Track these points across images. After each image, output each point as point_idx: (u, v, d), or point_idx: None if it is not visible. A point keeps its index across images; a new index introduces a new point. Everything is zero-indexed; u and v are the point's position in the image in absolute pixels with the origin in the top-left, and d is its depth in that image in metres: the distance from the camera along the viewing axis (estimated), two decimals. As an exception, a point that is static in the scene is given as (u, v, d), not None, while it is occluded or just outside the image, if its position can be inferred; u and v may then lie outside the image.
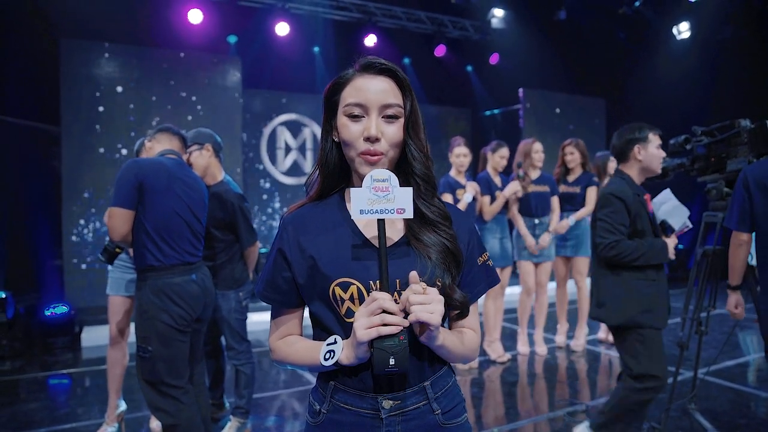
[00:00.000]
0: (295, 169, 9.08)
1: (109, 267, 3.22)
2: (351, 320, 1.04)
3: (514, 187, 4.57)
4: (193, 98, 7.08)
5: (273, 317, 1.19)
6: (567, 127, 9.51)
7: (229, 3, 7.61)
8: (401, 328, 0.96)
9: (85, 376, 4.63)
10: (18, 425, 3.48)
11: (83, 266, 6.46)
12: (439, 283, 1.07)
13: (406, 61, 9.37)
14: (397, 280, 1.04)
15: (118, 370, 3.27)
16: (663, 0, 8.59)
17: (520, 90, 9.24)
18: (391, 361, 0.95)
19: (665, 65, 8.90)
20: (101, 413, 3.49)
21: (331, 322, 1.09)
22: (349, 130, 1.08)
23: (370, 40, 8.53)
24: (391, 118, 1.09)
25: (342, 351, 1.03)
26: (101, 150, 6.54)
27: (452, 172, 4.54)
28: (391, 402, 1.06)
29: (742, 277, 2.69)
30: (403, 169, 1.13)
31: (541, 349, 4.91)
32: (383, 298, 0.96)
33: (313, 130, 9.14)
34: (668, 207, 2.70)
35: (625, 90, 9.30)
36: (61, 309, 5.56)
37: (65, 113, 6.36)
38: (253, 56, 7.98)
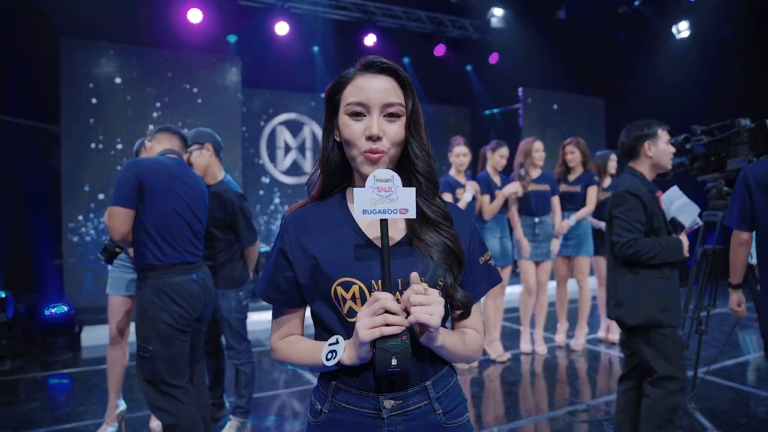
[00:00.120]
0: (294, 169, 9.08)
1: (109, 267, 3.22)
2: (353, 320, 1.03)
3: (514, 187, 4.57)
4: (193, 98, 7.08)
5: (274, 317, 1.19)
6: (566, 126, 9.51)
7: (229, 2, 7.61)
8: (403, 328, 0.96)
9: (85, 376, 4.63)
10: (18, 425, 3.47)
11: (83, 266, 6.46)
12: (441, 283, 1.07)
13: (406, 60, 9.37)
14: (399, 280, 1.04)
15: (118, 370, 3.28)
16: (662, -1, 8.60)
17: (520, 89, 9.25)
18: (394, 361, 0.94)
19: (665, 64, 8.90)
20: (101, 413, 3.49)
21: (332, 322, 1.09)
22: (351, 129, 1.08)
23: (370, 40, 8.53)
24: (392, 117, 1.09)
25: (344, 351, 1.03)
26: (101, 150, 6.53)
27: (452, 172, 4.55)
28: (392, 402, 1.06)
29: (743, 276, 2.69)
30: (404, 167, 1.13)
31: (541, 349, 4.91)
32: (385, 298, 0.96)
33: (312, 129, 9.14)
34: (679, 204, 2.68)
35: (625, 89, 9.31)
36: (61, 309, 5.56)
37: (65, 113, 6.35)
38: (252, 56, 7.98)
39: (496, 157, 4.67)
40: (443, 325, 1.15)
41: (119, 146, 6.61)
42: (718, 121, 3.11)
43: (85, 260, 6.45)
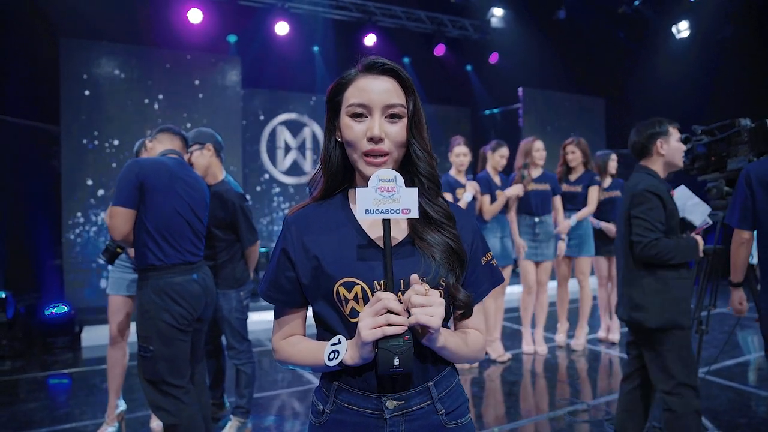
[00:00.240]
0: (294, 169, 9.07)
1: (110, 267, 3.22)
2: (355, 320, 1.03)
3: (515, 190, 4.57)
4: (193, 98, 7.08)
5: (276, 317, 1.19)
6: (566, 126, 9.51)
7: (229, 2, 7.61)
8: (406, 328, 0.96)
9: (85, 376, 4.63)
10: (18, 425, 3.47)
11: (83, 266, 6.46)
12: (443, 283, 1.07)
13: (406, 60, 9.37)
14: (402, 280, 1.04)
15: (118, 370, 3.28)
16: (662, -1, 8.61)
17: (520, 89, 9.25)
18: (396, 362, 0.94)
19: (665, 64, 8.91)
20: (101, 413, 3.49)
21: (335, 322, 1.09)
22: (353, 130, 1.08)
23: (370, 40, 8.54)
24: (394, 118, 1.09)
25: (346, 351, 1.03)
26: (101, 150, 6.53)
27: (452, 172, 4.54)
28: (394, 402, 1.06)
29: (744, 275, 2.69)
30: (406, 168, 1.13)
31: (542, 349, 4.91)
32: (388, 299, 0.96)
33: (312, 129, 9.14)
34: (689, 203, 2.67)
35: (625, 89, 9.31)
36: (61, 309, 5.56)
37: (65, 113, 6.35)
38: (252, 56, 7.98)
39: (497, 157, 4.67)
40: (445, 325, 1.15)
41: (119, 146, 6.61)
42: (718, 121, 3.10)
43: (85, 260, 6.45)
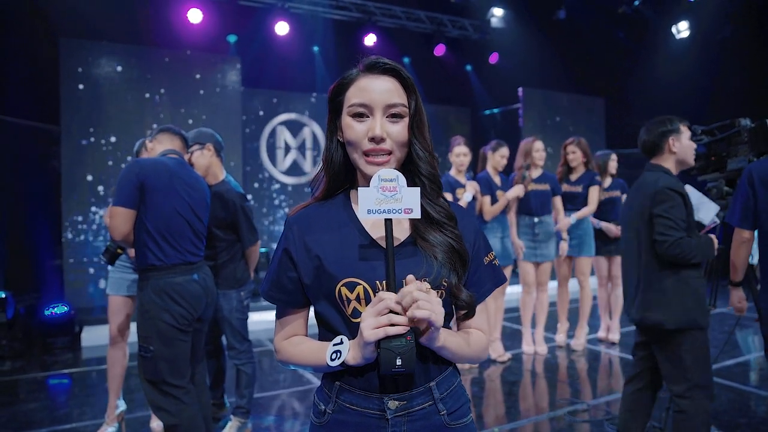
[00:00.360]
0: (294, 169, 9.07)
1: (109, 267, 3.22)
2: (357, 320, 1.03)
3: (516, 191, 4.56)
4: (193, 98, 7.08)
5: (278, 317, 1.19)
6: (566, 126, 9.52)
7: (229, 2, 7.61)
8: (408, 328, 0.96)
9: (85, 376, 4.63)
10: (18, 425, 3.47)
11: (83, 266, 6.45)
12: (446, 283, 1.07)
13: (406, 60, 9.37)
14: (404, 281, 1.03)
15: (118, 370, 3.27)
16: (662, -1, 8.61)
17: (520, 89, 9.25)
18: (398, 362, 0.94)
19: (665, 64, 8.91)
20: (101, 413, 3.49)
21: (337, 323, 1.08)
22: (354, 130, 1.08)
23: (370, 40, 8.54)
24: (395, 118, 1.09)
25: (349, 351, 1.03)
26: (101, 150, 6.53)
27: (452, 172, 4.54)
28: (396, 402, 1.06)
29: (744, 275, 2.68)
30: (408, 168, 1.13)
31: (542, 349, 4.91)
32: (390, 298, 0.96)
33: (312, 129, 9.14)
34: (698, 202, 2.65)
35: (625, 89, 9.31)
36: (61, 309, 5.55)
37: (65, 113, 6.35)
38: (252, 56, 7.98)
39: (497, 157, 4.67)
40: (447, 326, 1.15)
41: (119, 146, 6.61)
42: (718, 121, 3.10)
43: (85, 260, 6.45)
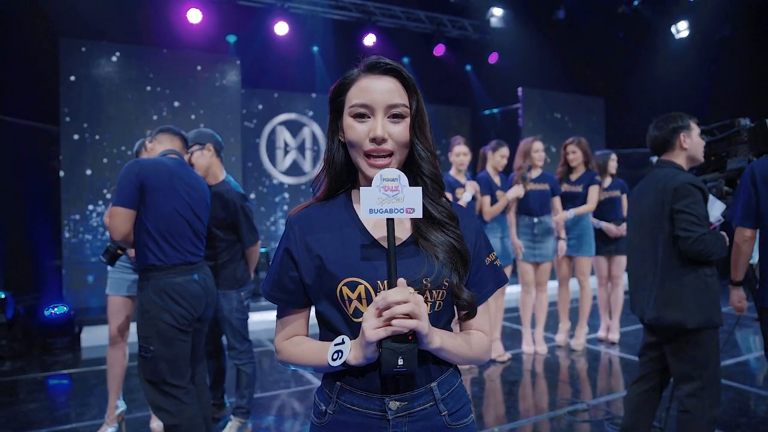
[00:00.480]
0: (294, 169, 9.07)
1: (109, 267, 3.22)
2: (359, 320, 1.03)
3: (516, 191, 4.56)
4: (193, 98, 7.08)
5: (279, 317, 1.19)
6: (566, 126, 9.52)
7: (228, 2, 7.61)
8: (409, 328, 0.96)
9: (84, 377, 4.63)
10: (18, 426, 3.47)
11: (83, 266, 6.45)
12: (447, 283, 1.07)
13: (406, 60, 9.36)
14: (405, 280, 1.04)
15: (117, 371, 3.27)
16: (662, -1, 8.62)
17: (519, 89, 9.25)
18: (400, 362, 0.94)
19: (664, 64, 8.92)
20: (101, 413, 3.49)
21: (338, 322, 1.08)
22: (355, 131, 1.08)
23: (369, 40, 8.53)
24: (397, 118, 1.09)
25: (350, 351, 1.02)
26: (100, 150, 6.53)
27: (452, 171, 4.54)
28: (398, 403, 1.06)
29: (744, 274, 2.68)
30: (409, 168, 1.13)
31: (542, 349, 4.91)
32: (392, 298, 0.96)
33: (312, 129, 9.14)
34: (710, 200, 2.65)
35: (624, 89, 9.32)
36: (61, 309, 5.55)
37: (64, 113, 6.35)
38: (252, 56, 7.98)
39: (497, 157, 4.66)
40: (448, 327, 1.15)
41: (119, 146, 6.60)
42: (718, 120, 3.10)
43: (84, 260, 6.45)
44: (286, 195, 8.97)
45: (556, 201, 4.76)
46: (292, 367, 1.16)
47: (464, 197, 4.33)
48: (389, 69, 1.09)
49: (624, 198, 5.12)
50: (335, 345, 1.05)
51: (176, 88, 6.97)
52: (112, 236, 2.45)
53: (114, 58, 6.64)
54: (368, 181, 1.03)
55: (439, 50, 9.19)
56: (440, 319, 1.11)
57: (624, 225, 5.01)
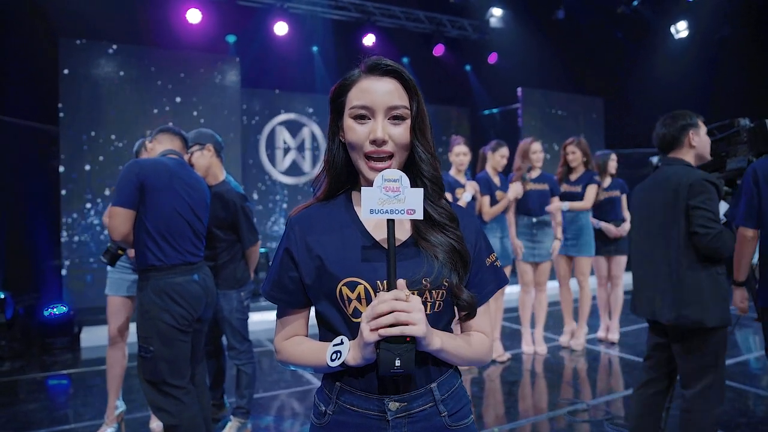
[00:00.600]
0: (294, 169, 9.07)
1: (109, 268, 3.22)
2: (358, 320, 1.03)
3: (516, 190, 4.56)
4: (192, 98, 7.07)
5: (279, 317, 1.19)
6: (566, 126, 9.52)
7: (228, 2, 7.61)
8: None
9: (84, 377, 4.63)
10: (18, 426, 3.47)
11: (82, 266, 6.45)
12: (446, 284, 1.07)
13: (405, 60, 9.36)
14: (405, 281, 1.04)
15: (117, 371, 3.27)
16: (661, -1, 8.62)
17: (519, 89, 9.25)
18: (397, 362, 0.94)
19: (664, 64, 8.92)
20: (101, 414, 3.49)
21: (337, 322, 1.08)
22: (356, 132, 1.08)
23: (369, 40, 8.53)
24: (397, 120, 1.08)
25: (349, 352, 1.02)
26: (100, 150, 6.53)
27: (452, 171, 4.54)
28: (397, 404, 1.06)
29: (746, 274, 2.68)
30: (410, 170, 1.13)
31: (541, 349, 4.91)
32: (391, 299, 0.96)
33: (312, 129, 9.13)
34: None
35: (624, 89, 9.32)
36: (61, 309, 5.55)
37: (64, 113, 6.35)
38: (252, 56, 7.97)
39: (497, 157, 4.66)
40: (448, 328, 1.15)
41: (119, 146, 6.60)
42: (717, 121, 3.10)
43: (84, 261, 6.45)
44: (286, 195, 8.97)
45: (556, 201, 4.76)
46: (292, 367, 1.16)
47: (464, 197, 4.33)
48: (390, 70, 1.09)
49: (624, 198, 5.12)
50: (334, 345, 1.05)
51: (176, 88, 6.97)
52: (111, 236, 2.45)
53: (114, 58, 6.63)
54: (368, 183, 1.03)
55: (439, 50, 9.19)
56: (440, 320, 1.11)
57: (624, 225, 5.01)
